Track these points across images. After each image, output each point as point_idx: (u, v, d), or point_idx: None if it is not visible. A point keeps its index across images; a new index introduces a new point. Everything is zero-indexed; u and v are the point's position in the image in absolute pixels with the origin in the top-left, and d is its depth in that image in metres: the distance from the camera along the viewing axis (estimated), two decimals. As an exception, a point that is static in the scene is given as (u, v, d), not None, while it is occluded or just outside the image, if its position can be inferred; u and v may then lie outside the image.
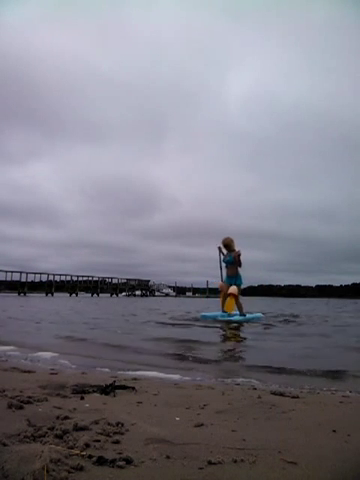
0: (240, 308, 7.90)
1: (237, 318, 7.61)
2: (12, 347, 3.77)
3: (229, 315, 7.79)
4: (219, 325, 6.74)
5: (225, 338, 5.23)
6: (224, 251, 8.37)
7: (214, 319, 7.65)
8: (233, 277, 8.17)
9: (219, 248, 8.40)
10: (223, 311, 7.91)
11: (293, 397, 1.94)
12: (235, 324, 6.98)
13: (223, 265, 8.41)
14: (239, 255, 8.04)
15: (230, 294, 7.79)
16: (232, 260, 8.11)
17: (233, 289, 7.83)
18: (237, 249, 8.20)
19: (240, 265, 8.12)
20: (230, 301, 7.81)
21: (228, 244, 8.24)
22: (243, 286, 8.34)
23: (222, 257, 8.41)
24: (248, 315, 7.97)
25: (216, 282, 8.68)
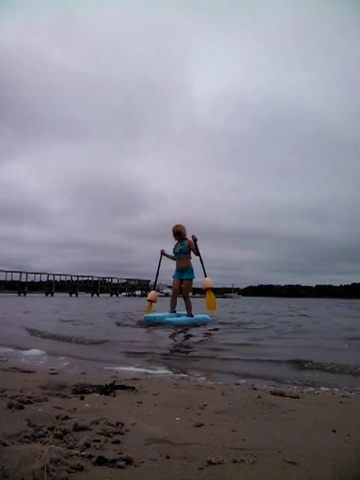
0: (189, 308, 7.02)
1: (184, 319, 6.80)
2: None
3: (178, 315, 6.97)
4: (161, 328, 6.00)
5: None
6: (167, 252, 7.48)
7: (160, 321, 6.57)
8: (185, 270, 7.12)
9: (161, 252, 7.54)
10: (171, 311, 7.07)
11: (293, 397, 1.94)
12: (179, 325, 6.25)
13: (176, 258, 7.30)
14: (195, 240, 7.02)
15: (207, 289, 6.99)
16: (186, 249, 7.09)
17: (209, 282, 6.95)
18: (189, 238, 7.17)
19: (198, 253, 7.08)
20: (210, 297, 6.95)
21: (180, 232, 7.14)
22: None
23: (174, 248, 7.32)
24: (196, 316, 7.00)
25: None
